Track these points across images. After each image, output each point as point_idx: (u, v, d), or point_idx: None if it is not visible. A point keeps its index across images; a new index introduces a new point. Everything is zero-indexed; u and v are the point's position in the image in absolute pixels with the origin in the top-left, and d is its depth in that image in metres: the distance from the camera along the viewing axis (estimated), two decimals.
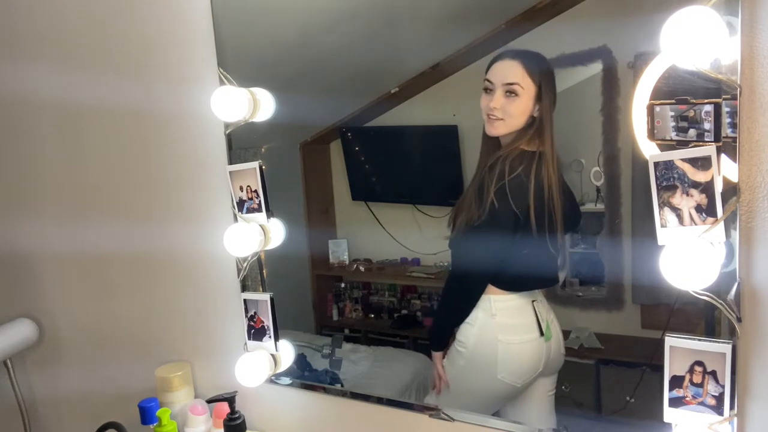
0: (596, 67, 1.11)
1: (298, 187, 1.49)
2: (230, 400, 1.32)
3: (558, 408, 1.21)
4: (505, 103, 1.16)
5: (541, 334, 1.23)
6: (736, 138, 0.90)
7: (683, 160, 0.90)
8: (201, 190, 1.46)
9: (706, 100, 0.89)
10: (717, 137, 0.88)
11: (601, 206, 1.16)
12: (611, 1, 1.12)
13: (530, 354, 1.24)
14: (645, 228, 0.96)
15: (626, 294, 1.17)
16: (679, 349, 0.95)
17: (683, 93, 0.90)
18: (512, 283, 1.25)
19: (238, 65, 1.34)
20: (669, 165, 0.91)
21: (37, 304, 1.80)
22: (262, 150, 1.39)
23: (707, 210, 0.89)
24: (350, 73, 1.39)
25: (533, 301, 1.23)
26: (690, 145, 0.90)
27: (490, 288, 1.25)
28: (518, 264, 1.24)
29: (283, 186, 1.43)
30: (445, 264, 1.34)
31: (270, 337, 1.36)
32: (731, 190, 0.91)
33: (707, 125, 0.89)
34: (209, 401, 1.35)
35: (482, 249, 1.25)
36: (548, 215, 1.18)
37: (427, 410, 1.27)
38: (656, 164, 0.92)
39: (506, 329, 1.25)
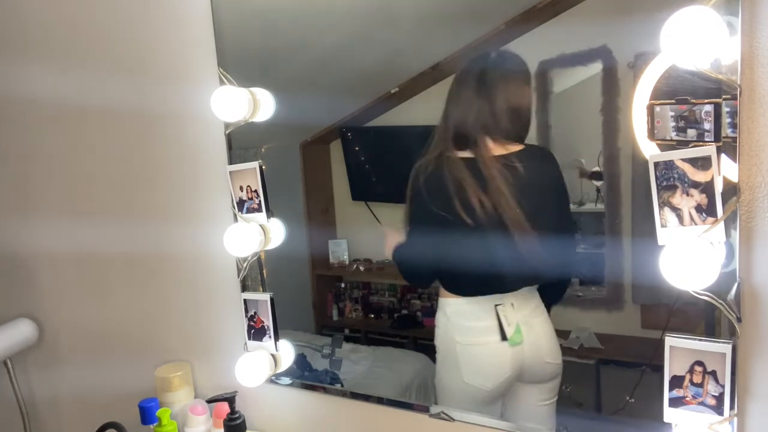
0: (596, 67, 1.11)
1: (298, 187, 1.48)
2: (230, 400, 1.32)
3: (558, 408, 1.21)
4: None
5: (504, 338, 1.21)
6: (736, 138, 0.90)
7: (683, 160, 0.90)
8: (201, 190, 1.46)
9: (706, 100, 0.89)
10: (717, 137, 0.88)
11: (601, 206, 1.16)
12: (611, 1, 1.12)
13: (490, 357, 1.22)
14: (645, 228, 0.96)
15: (626, 294, 1.17)
16: (679, 349, 0.95)
17: (683, 93, 0.90)
18: (460, 287, 1.24)
19: (238, 65, 1.34)
20: (669, 165, 0.91)
21: (37, 304, 1.80)
22: (262, 150, 1.39)
23: (707, 210, 0.89)
24: (350, 73, 1.39)
25: (496, 305, 1.21)
26: (690, 145, 0.90)
27: (442, 290, 1.26)
28: (461, 267, 1.22)
29: (283, 186, 1.43)
30: None
31: (270, 337, 1.36)
32: (731, 190, 0.91)
33: (707, 125, 0.89)
34: (209, 401, 1.35)
35: (418, 255, 1.26)
36: (494, 213, 1.17)
37: (427, 410, 1.28)
38: (656, 164, 0.92)
39: (461, 330, 1.25)
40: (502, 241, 1.18)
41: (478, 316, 1.23)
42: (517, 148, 1.19)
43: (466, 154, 1.19)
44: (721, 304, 0.92)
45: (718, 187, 0.88)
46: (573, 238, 1.20)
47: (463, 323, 1.25)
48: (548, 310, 1.22)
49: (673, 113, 0.91)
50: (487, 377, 1.23)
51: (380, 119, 1.36)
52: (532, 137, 1.20)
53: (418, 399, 1.33)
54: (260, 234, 1.32)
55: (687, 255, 0.88)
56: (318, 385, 1.41)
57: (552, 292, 1.22)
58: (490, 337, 1.21)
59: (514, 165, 1.18)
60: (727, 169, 0.90)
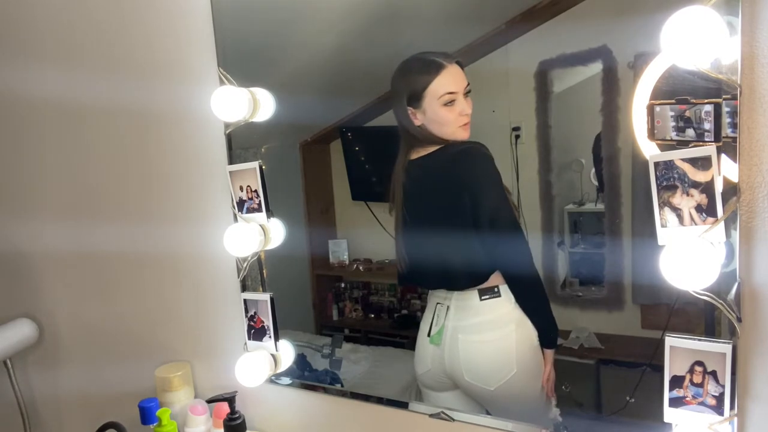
0: (596, 67, 1.10)
1: (298, 187, 1.48)
2: (230, 400, 1.32)
3: (558, 408, 1.21)
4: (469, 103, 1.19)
5: (428, 334, 1.27)
6: (736, 138, 0.90)
7: (683, 160, 0.90)
8: (201, 190, 1.46)
9: (706, 100, 0.89)
10: (717, 137, 0.88)
11: (601, 206, 1.16)
12: (611, 1, 1.12)
13: (419, 345, 1.31)
14: (645, 228, 0.96)
15: (626, 294, 1.17)
16: (679, 349, 0.95)
17: (683, 93, 0.90)
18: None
19: (238, 65, 1.34)
20: (669, 165, 0.91)
21: (37, 304, 1.80)
22: (262, 150, 1.39)
23: (707, 210, 0.89)
24: (350, 73, 1.39)
25: (437, 303, 1.26)
26: (690, 145, 0.90)
27: None
28: (405, 260, 1.32)
29: (283, 186, 1.43)
30: None
31: (270, 337, 1.36)
32: (731, 190, 0.91)
33: (707, 125, 0.89)
34: (209, 401, 1.35)
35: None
36: (401, 203, 1.26)
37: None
38: (656, 164, 0.92)
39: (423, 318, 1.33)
40: (410, 238, 1.28)
41: (428, 307, 1.29)
42: (431, 150, 1.21)
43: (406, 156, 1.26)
44: (721, 304, 0.92)
45: (718, 187, 0.88)
46: (478, 240, 1.20)
47: (426, 308, 1.32)
48: (542, 334, 1.20)
49: (673, 113, 0.91)
50: (417, 363, 1.32)
51: (380, 119, 1.36)
52: (531, 137, 1.20)
53: (418, 399, 1.33)
54: (260, 234, 1.32)
55: (687, 255, 0.88)
56: (318, 385, 1.41)
57: (524, 304, 1.21)
58: (424, 328, 1.29)
59: (414, 167, 1.23)
60: (727, 169, 0.90)
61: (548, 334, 1.20)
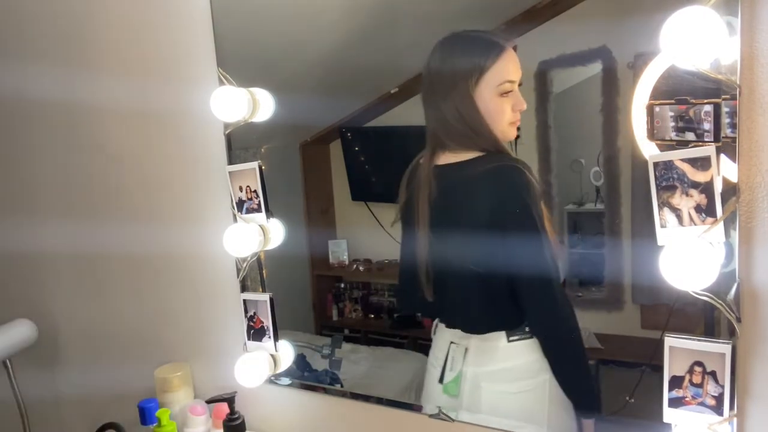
0: (596, 67, 1.11)
1: (298, 187, 1.48)
2: (230, 400, 1.32)
3: None
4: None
5: (440, 380, 1.06)
6: (735, 138, 0.90)
7: (683, 160, 0.90)
8: (201, 190, 1.46)
9: (705, 100, 0.89)
10: (716, 137, 0.88)
11: (601, 206, 1.16)
12: (611, 1, 1.12)
13: (429, 389, 1.12)
14: (645, 228, 0.96)
15: (626, 294, 1.17)
16: (679, 350, 0.95)
17: (683, 93, 0.90)
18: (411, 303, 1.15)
19: (238, 65, 1.34)
20: (669, 165, 0.91)
21: (37, 304, 1.80)
22: (262, 150, 1.39)
23: (707, 210, 0.89)
24: (350, 73, 1.39)
25: (451, 343, 1.06)
26: (689, 145, 0.90)
27: None
28: (414, 279, 1.09)
29: (283, 186, 1.43)
30: None
31: (269, 337, 1.36)
32: (731, 191, 0.91)
33: (707, 125, 0.89)
34: (209, 401, 1.35)
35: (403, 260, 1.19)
36: (419, 227, 1.06)
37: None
38: (656, 164, 0.92)
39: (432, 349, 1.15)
40: (436, 261, 1.07)
41: (437, 344, 1.11)
42: (465, 157, 1.08)
43: (431, 160, 1.12)
44: (720, 304, 0.92)
45: (718, 188, 0.88)
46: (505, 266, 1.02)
47: (433, 342, 1.14)
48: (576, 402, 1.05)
49: (672, 113, 0.91)
50: (427, 405, 1.18)
51: (380, 119, 1.36)
52: (531, 137, 1.20)
53: (418, 399, 1.33)
54: (260, 234, 1.32)
55: (686, 255, 0.88)
56: (318, 385, 1.41)
57: (548, 347, 1.03)
58: (434, 371, 1.10)
59: (444, 176, 1.06)
60: (726, 170, 0.90)
61: (586, 403, 1.05)
